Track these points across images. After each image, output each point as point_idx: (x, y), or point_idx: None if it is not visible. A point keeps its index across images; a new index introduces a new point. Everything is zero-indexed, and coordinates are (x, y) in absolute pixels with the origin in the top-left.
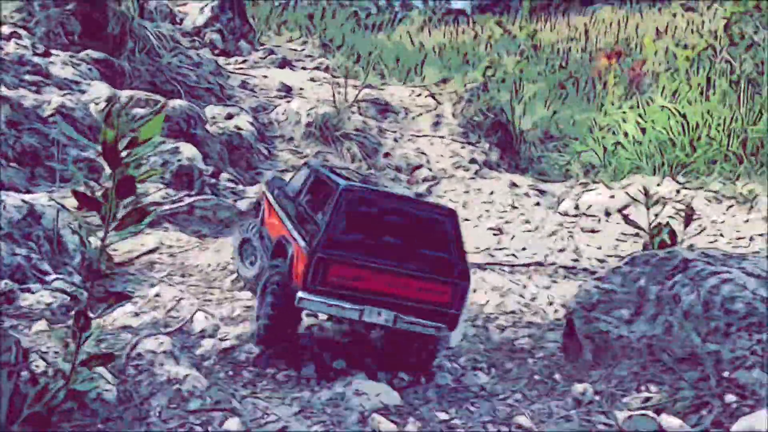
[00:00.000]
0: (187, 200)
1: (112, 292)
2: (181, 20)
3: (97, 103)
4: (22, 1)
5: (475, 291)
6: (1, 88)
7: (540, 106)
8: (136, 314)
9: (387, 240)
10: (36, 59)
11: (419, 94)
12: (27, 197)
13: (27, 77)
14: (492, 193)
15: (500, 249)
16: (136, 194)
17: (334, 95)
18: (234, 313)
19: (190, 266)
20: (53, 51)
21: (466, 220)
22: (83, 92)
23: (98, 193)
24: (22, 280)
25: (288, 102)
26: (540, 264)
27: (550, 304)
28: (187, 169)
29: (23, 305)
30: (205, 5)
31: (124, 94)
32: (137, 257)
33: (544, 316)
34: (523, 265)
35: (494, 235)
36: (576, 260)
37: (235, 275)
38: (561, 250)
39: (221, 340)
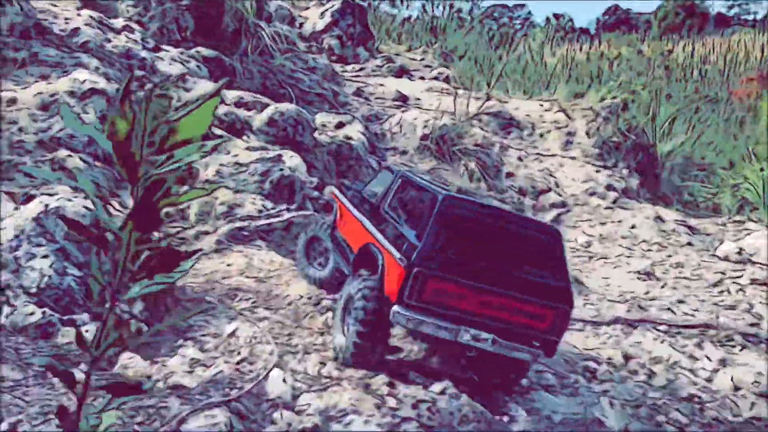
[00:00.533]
0: (286, 215)
1: (114, 383)
2: (301, 24)
3: None
4: None
5: (628, 359)
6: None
7: (678, 130)
8: (198, 364)
9: (487, 256)
10: (143, 54)
11: (548, 109)
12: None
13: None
14: (633, 227)
15: (651, 300)
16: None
17: (455, 105)
18: (322, 371)
19: (278, 297)
20: (164, 47)
21: (604, 258)
22: (188, 90)
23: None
24: (67, 308)
25: (403, 112)
26: (709, 326)
27: (737, 389)
28: (289, 179)
29: (62, 342)
30: (326, 10)
31: (231, 95)
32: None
33: (734, 410)
34: (687, 326)
35: (641, 280)
36: (755, 324)
37: (329, 313)
38: (730, 308)
39: (299, 413)
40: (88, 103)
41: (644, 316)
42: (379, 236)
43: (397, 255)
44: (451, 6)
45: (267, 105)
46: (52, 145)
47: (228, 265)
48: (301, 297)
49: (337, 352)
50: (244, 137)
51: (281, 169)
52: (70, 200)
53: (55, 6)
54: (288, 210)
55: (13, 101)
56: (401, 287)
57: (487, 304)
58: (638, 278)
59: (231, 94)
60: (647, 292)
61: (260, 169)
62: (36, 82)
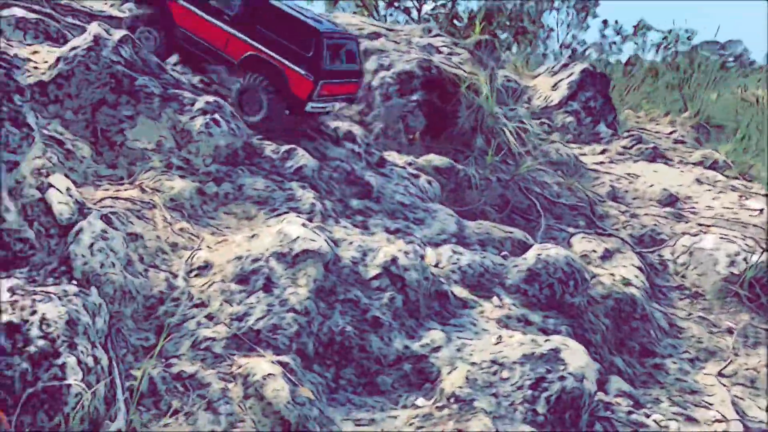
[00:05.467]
0: None
1: None
2: (529, 98)
3: (438, 260)
4: (364, 90)
5: None
6: None
7: None
8: None
9: (339, 62)
10: (368, 176)
11: None
12: None
13: (354, 202)
14: None
15: None
16: None
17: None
18: None
19: None
20: (388, 157)
21: None
22: (422, 227)
23: None
24: None
25: (694, 235)
26: None
27: None
28: (572, 395)
29: None
30: (560, 80)
31: (471, 227)
32: None
33: None
34: None
35: None
36: None
37: None
38: None
39: None
40: (299, 269)
41: None
42: (271, 52)
43: (303, 72)
44: (666, 48)
45: (522, 244)
46: (248, 342)
47: None
48: None
49: (250, 119)
50: (495, 299)
51: (562, 378)
52: None
53: None
54: None
55: (205, 267)
56: (310, 92)
57: (339, 88)
58: None
59: (473, 227)
60: None
61: (530, 375)
62: (237, 230)
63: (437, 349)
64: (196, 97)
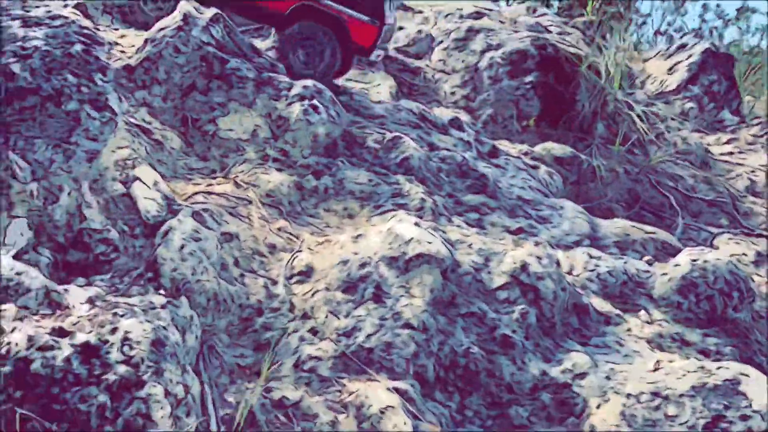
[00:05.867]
0: None
1: None
2: (642, 83)
3: (572, 265)
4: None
5: None
6: None
7: None
8: None
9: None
10: (481, 166)
11: None
12: None
13: (467, 198)
14: None
15: None
16: None
17: None
18: None
19: None
20: (500, 147)
21: None
22: (548, 226)
23: None
24: None
25: None
26: None
27: None
28: None
29: None
30: (678, 63)
31: (605, 227)
32: None
33: None
34: None
35: None
36: None
37: None
38: None
39: None
40: (413, 277)
41: None
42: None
43: (366, 18)
44: None
45: (667, 247)
46: (358, 363)
47: None
48: None
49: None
50: (642, 314)
51: (745, 417)
52: None
53: (374, 90)
54: None
55: (306, 272)
56: (375, 39)
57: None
58: None
59: (608, 227)
60: None
61: (704, 412)
62: (338, 229)
63: (582, 375)
64: (292, 82)
